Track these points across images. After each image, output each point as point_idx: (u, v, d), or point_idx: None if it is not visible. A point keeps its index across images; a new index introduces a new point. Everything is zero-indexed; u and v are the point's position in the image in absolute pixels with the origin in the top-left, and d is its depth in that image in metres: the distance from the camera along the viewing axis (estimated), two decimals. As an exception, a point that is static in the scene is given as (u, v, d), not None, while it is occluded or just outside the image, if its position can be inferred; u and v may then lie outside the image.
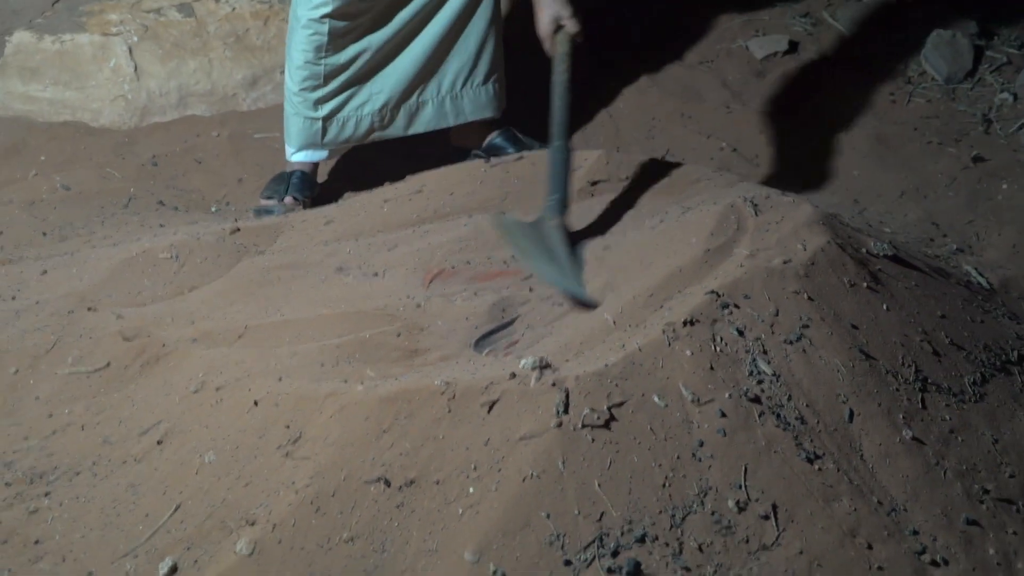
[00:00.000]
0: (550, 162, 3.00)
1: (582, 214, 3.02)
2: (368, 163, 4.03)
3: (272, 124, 4.13)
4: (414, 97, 3.77)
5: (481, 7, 3.73)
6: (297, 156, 3.79)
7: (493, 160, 3.41)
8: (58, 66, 4.24)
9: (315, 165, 3.84)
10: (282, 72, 4.20)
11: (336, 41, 3.61)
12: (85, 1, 4.41)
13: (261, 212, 3.69)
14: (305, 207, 3.71)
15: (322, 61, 3.64)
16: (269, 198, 3.75)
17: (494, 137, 3.93)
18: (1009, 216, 3.73)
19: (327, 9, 3.53)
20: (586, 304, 2.57)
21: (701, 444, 2.19)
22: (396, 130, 3.80)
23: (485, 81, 3.81)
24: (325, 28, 3.58)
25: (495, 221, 3.00)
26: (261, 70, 4.33)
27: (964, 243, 3.57)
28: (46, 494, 2.37)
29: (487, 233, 2.95)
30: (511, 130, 3.94)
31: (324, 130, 3.73)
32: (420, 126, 3.83)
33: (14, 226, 3.59)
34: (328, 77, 3.66)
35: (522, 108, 4.03)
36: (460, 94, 3.81)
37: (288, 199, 3.72)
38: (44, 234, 3.54)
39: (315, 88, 3.67)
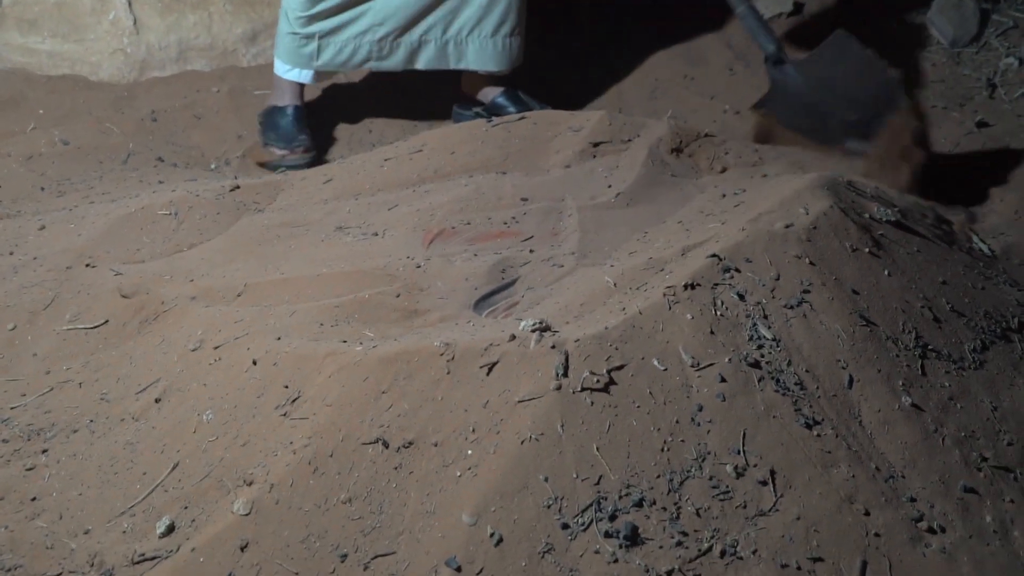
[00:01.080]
0: (746, 25, 3.57)
1: (584, 176, 3.01)
2: (369, 119, 4.02)
3: (272, 80, 4.10)
4: (416, 33, 3.75)
5: None
6: (290, 75, 3.81)
7: (495, 120, 3.39)
8: (57, 18, 4.20)
9: (300, 91, 3.84)
10: (283, 27, 4.18)
11: None
12: (84, -47, 4.37)
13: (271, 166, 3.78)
14: (307, 149, 3.78)
15: None
16: (272, 142, 3.81)
17: (496, 96, 3.91)
18: (1012, 182, 3.71)
19: None
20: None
21: (700, 409, 2.19)
22: (394, 63, 3.80)
23: (493, 33, 3.78)
24: None
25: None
26: (261, 25, 4.29)
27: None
28: (43, 451, 2.37)
29: (488, 193, 2.94)
30: (514, 89, 3.92)
31: (319, 51, 3.73)
32: (420, 64, 3.82)
33: (12, 180, 3.58)
34: None
35: (529, 68, 4.01)
36: (465, 41, 3.79)
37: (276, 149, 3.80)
38: (42, 189, 3.52)
39: (313, 5, 3.67)
